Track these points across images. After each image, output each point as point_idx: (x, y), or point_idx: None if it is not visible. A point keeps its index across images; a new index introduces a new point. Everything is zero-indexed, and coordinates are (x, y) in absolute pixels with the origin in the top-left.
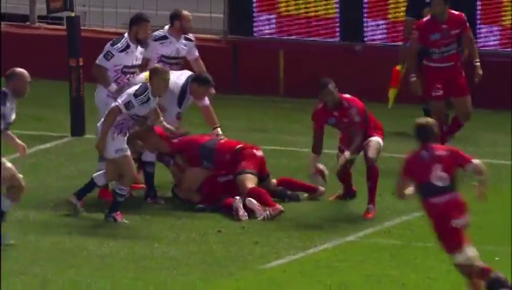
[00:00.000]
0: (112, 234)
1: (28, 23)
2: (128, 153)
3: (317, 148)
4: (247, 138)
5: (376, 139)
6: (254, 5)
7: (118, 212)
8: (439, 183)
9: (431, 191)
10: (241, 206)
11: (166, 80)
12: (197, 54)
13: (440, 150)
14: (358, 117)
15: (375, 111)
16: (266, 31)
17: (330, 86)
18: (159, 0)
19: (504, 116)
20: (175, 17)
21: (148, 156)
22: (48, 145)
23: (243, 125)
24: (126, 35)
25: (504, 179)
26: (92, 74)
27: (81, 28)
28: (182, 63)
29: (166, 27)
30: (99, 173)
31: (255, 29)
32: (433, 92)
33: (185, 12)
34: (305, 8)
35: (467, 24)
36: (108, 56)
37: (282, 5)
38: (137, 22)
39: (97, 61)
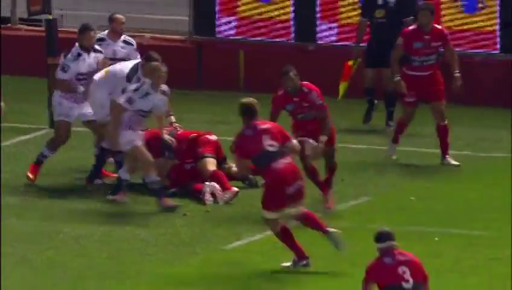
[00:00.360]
0: (86, 218)
1: (9, 24)
2: (139, 143)
3: None
4: (211, 130)
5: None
6: (216, 8)
7: (164, 198)
8: (271, 149)
9: (267, 158)
10: (209, 191)
11: (162, 75)
12: (138, 58)
13: (264, 124)
14: (319, 100)
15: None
16: (228, 33)
17: (291, 73)
18: (130, 4)
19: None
20: (109, 20)
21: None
22: (27, 136)
23: (208, 118)
24: (76, 44)
25: (504, 170)
26: (58, 87)
27: (59, 29)
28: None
29: (107, 31)
30: (122, 169)
31: (217, 30)
32: (406, 98)
33: (118, 15)
34: (263, 11)
35: (448, 38)
36: (65, 68)
37: (242, 8)
38: (81, 31)
39: (57, 76)
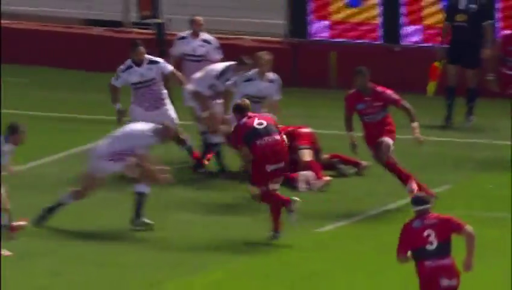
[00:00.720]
0: (191, 206)
1: (121, 28)
2: None
3: (348, 126)
4: (304, 123)
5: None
6: (310, 12)
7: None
8: (259, 127)
9: (254, 135)
10: (303, 179)
11: (263, 63)
12: (217, 57)
13: (256, 115)
14: (395, 95)
15: (410, 101)
16: (320, 35)
17: (363, 73)
18: (232, 9)
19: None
20: (190, 22)
21: (216, 139)
22: None
23: (301, 112)
24: (130, 59)
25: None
26: (109, 90)
27: (167, 32)
28: (200, 60)
29: (191, 31)
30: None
31: (310, 33)
32: (509, 90)
33: (197, 17)
34: (353, 14)
35: None
36: (116, 77)
37: (333, 12)
38: (132, 47)
39: (110, 81)
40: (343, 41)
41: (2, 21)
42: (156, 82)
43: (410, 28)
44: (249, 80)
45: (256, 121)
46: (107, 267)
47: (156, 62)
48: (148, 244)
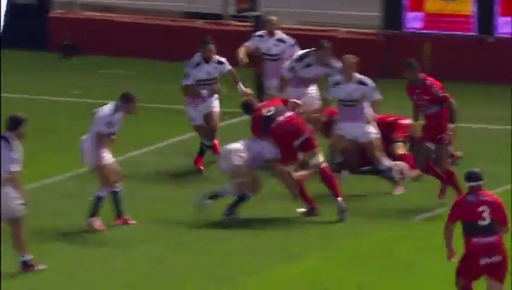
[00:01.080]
0: (287, 197)
1: (221, 20)
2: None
3: (414, 116)
4: (396, 114)
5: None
6: (404, 4)
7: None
8: (268, 113)
9: (266, 122)
10: (397, 169)
11: (347, 65)
12: (296, 54)
13: (262, 105)
14: (440, 92)
15: (503, 92)
16: (414, 26)
17: (412, 66)
18: (327, 2)
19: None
20: (265, 21)
21: None
22: (234, 120)
23: (393, 103)
24: (199, 54)
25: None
26: (183, 93)
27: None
28: (276, 59)
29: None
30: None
31: (404, 24)
32: None
33: (272, 17)
34: (447, 6)
35: None
36: (187, 75)
37: (428, 3)
38: (201, 45)
39: (182, 83)
40: (437, 32)
41: (108, 14)
42: (216, 81)
43: (503, 20)
44: (336, 84)
45: (264, 111)
46: (207, 255)
47: (222, 62)
48: (247, 233)
